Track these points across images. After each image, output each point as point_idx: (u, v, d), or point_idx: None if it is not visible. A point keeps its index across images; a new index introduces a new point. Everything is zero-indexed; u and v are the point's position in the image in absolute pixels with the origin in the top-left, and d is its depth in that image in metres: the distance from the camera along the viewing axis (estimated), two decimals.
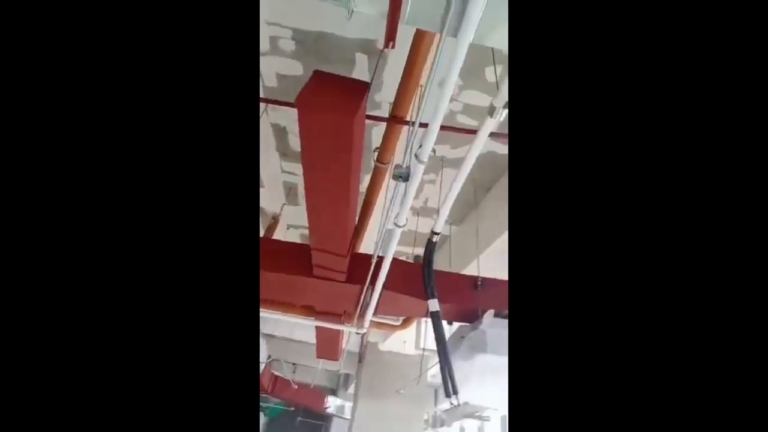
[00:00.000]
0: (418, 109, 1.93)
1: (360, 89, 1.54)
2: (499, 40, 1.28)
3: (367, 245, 3.67)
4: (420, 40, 1.64)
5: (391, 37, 1.22)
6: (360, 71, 2.86)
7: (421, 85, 2.16)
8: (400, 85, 2.04)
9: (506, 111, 1.69)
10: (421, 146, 1.46)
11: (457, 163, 3.48)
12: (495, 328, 2.58)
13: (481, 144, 1.89)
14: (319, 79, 1.52)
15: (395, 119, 2.13)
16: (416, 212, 4.06)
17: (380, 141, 2.52)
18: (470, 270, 3.30)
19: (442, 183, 3.35)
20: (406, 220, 1.95)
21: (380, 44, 2.70)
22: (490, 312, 2.61)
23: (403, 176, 1.53)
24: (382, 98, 3.02)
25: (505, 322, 2.63)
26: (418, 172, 1.56)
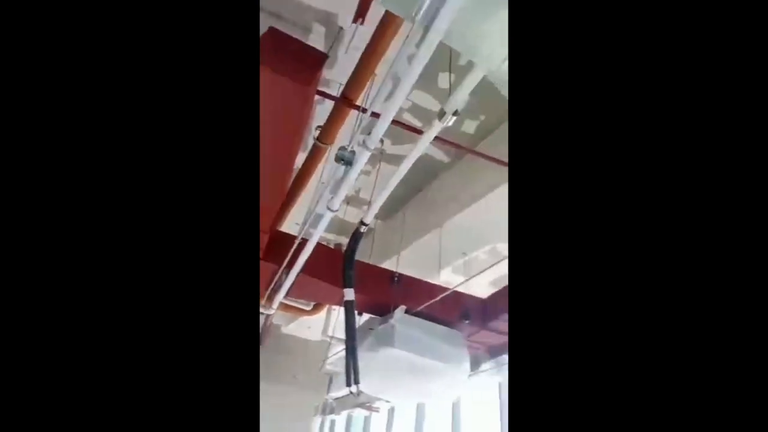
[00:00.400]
0: (372, 96, 1.89)
1: (317, 59, 1.45)
2: (463, 42, 1.30)
3: (287, 225, 3.53)
4: (388, 25, 1.60)
5: (362, 12, 1.16)
6: (314, 41, 2.72)
7: (376, 74, 2.12)
8: (357, 68, 1.98)
9: (455, 118, 1.74)
10: (370, 133, 1.42)
11: (394, 159, 3.52)
12: (404, 324, 2.66)
13: (425, 145, 1.92)
14: (275, 37, 1.40)
15: (346, 101, 2.06)
16: (346, 201, 4.01)
17: (322, 119, 2.43)
18: (389, 265, 3.36)
19: (378, 176, 3.35)
20: (339, 205, 1.90)
21: (341, 19, 2.59)
22: (402, 308, 2.69)
23: (347, 159, 1.48)
24: (333, 77, 2.91)
25: (415, 319, 2.73)
26: (363, 159, 1.52)
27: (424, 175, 3.72)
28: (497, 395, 3.81)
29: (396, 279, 2.89)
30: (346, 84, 2.10)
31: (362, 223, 2.47)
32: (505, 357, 3.25)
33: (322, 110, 2.82)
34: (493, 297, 2.86)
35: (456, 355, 2.69)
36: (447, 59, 2.38)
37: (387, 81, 1.57)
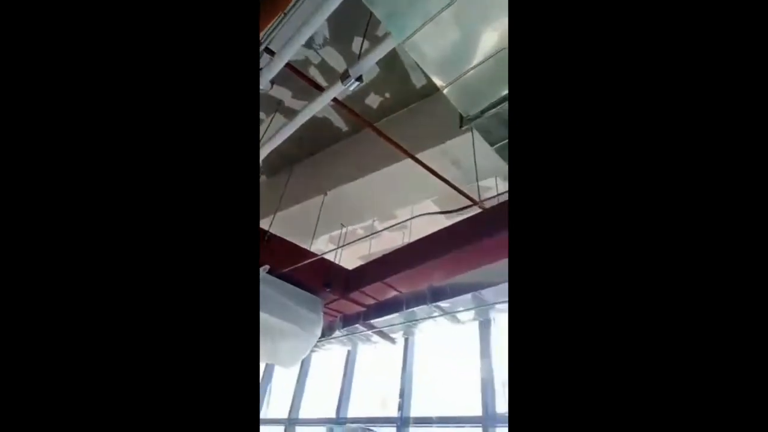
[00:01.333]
0: (271, 33, 1.72)
1: None
2: (382, 6, 1.26)
3: None
4: None
5: None
6: None
7: (285, 13, 1.94)
8: (264, 2, 1.77)
9: (357, 84, 1.70)
10: (261, 68, 1.29)
11: (291, 113, 3.32)
12: (264, 284, 2.59)
13: (323, 104, 1.85)
14: None
15: None
16: None
17: None
18: (263, 224, 3.20)
19: (270, 127, 3.12)
20: None
21: None
22: (266, 267, 2.60)
23: None
24: None
25: (276, 280, 2.67)
26: None
27: (319, 139, 3.61)
28: (344, 361, 4.03)
29: (267, 238, 2.77)
30: None
31: None
32: (358, 326, 3.44)
33: None
34: (358, 269, 2.97)
35: (310, 320, 2.74)
36: (365, 24, 2.31)
37: (292, 22, 1.45)
